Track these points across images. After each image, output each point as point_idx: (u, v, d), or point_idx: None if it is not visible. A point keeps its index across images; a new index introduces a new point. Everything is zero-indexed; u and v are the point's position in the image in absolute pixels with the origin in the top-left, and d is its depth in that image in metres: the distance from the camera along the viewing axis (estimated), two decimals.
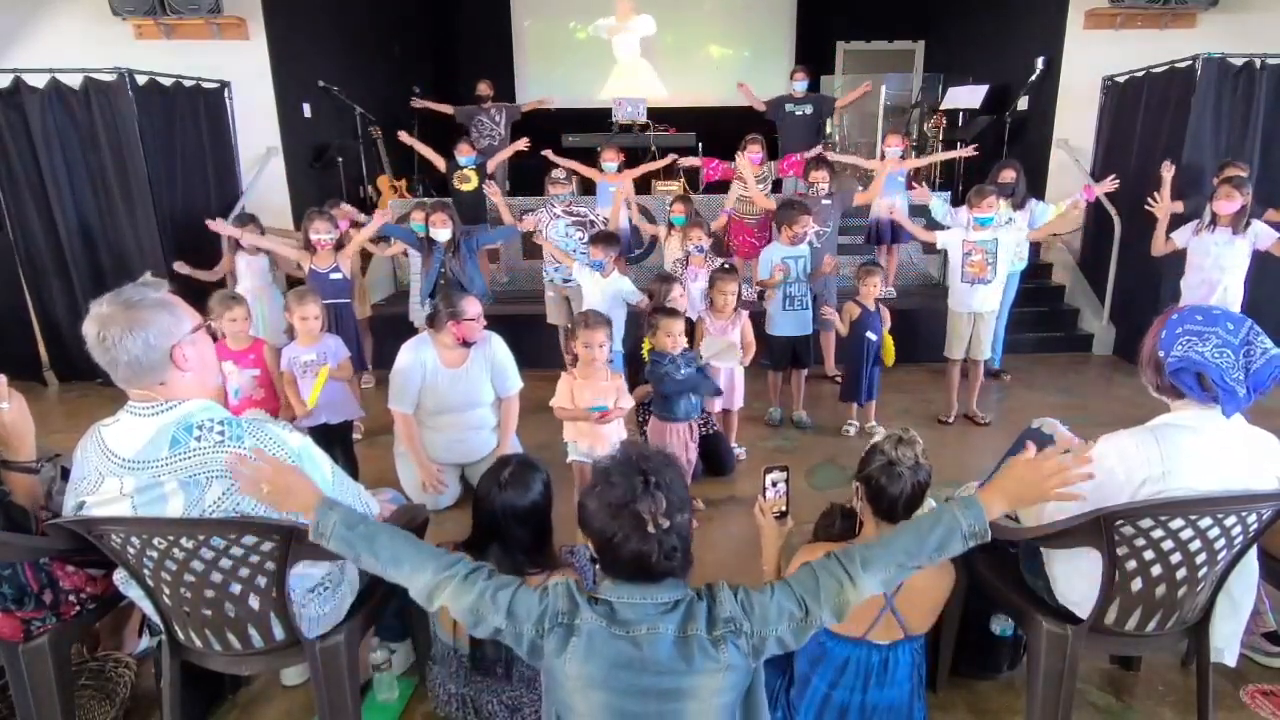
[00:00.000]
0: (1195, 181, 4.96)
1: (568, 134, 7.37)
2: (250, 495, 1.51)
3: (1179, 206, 4.44)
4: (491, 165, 5.77)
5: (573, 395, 3.00)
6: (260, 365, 3.31)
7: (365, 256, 5.70)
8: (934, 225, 4.65)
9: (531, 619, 1.29)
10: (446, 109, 6.92)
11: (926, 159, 6.36)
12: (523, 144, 5.64)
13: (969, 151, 5.68)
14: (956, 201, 5.60)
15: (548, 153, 5.71)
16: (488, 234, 4.99)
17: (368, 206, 7.29)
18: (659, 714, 1.27)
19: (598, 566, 1.36)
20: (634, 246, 5.52)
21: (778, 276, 4.10)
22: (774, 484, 1.89)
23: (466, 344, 3.23)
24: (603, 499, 1.26)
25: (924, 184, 5.10)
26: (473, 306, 3.20)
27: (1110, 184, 4.59)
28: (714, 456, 3.67)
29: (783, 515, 1.91)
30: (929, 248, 6.20)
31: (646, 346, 3.24)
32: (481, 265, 5.03)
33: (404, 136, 5.75)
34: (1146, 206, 4.41)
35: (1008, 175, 4.77)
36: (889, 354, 4.06)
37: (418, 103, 7.10)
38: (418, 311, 4.83)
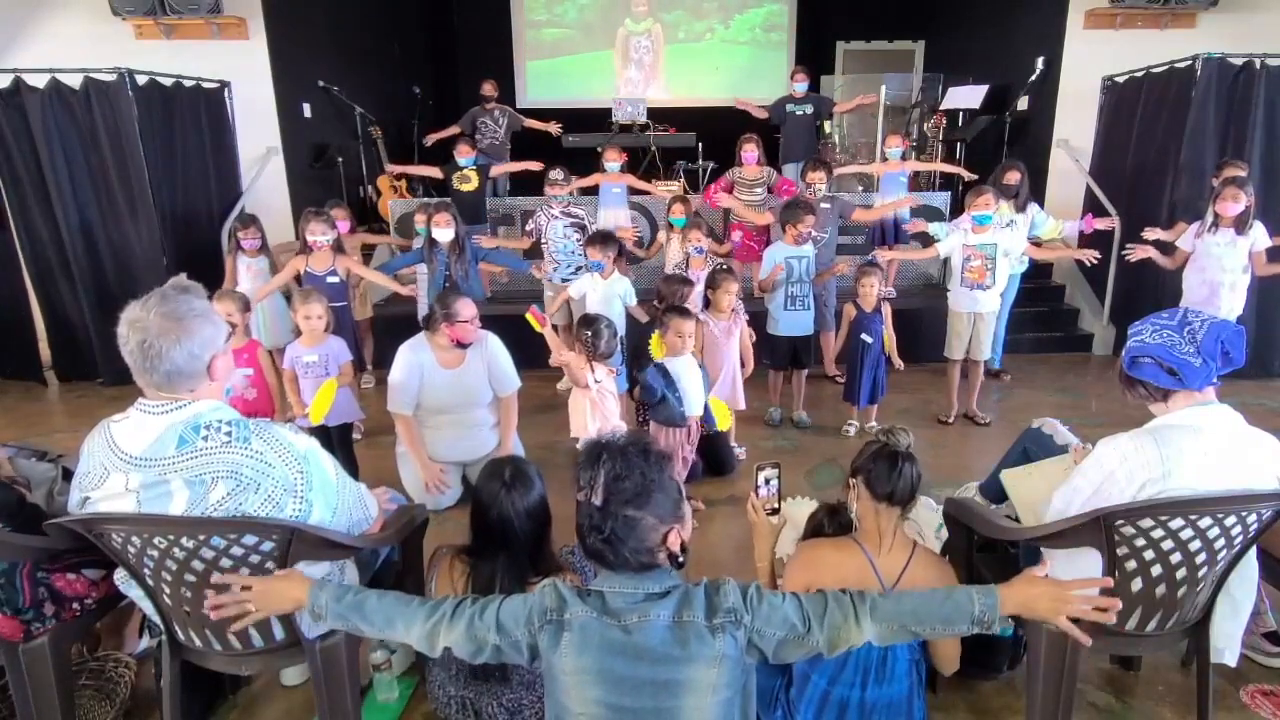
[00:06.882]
0: (1195, 182, 4.96)
1: (568, 134, 7.36)
2: (240, 617, 1.56)
3: (1171, 234, 4.46)
4: (495, 171, 5.79)
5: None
6: (253, 365, 3.30)
7: (366, 257, 5.70)
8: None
9: (521, 623, 1.31)
10: (453, 130, 6.68)
11: (927, 165, 6.35)
12: (535, 166, 5.62)
13: (968, 175, 5.67)
14: (957, 206, 5.60)
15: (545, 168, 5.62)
16: (496, 253, 4.88)
17: (368, 206, 7.30)
18: (655, 711, 1.27)
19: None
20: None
21: (777, 274, 4.10)
22: (766, 481, 1.90)
23: (461, 345, 3.23)
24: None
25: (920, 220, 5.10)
26: (467, 308, 3.19)
27: (1109, 223, 4.55)
28: (714, 456, 3.67)
29: (775, 512, 1.92)
30: None
31: (655, 344, 3.23)
32: (481, 268, 5.03)
33: (392, 169, 6.55)
34: (1143, 239, 4.39)
35: (1012, 176, 4.72)
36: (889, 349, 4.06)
37: (430, 139, 6.70)
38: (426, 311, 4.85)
